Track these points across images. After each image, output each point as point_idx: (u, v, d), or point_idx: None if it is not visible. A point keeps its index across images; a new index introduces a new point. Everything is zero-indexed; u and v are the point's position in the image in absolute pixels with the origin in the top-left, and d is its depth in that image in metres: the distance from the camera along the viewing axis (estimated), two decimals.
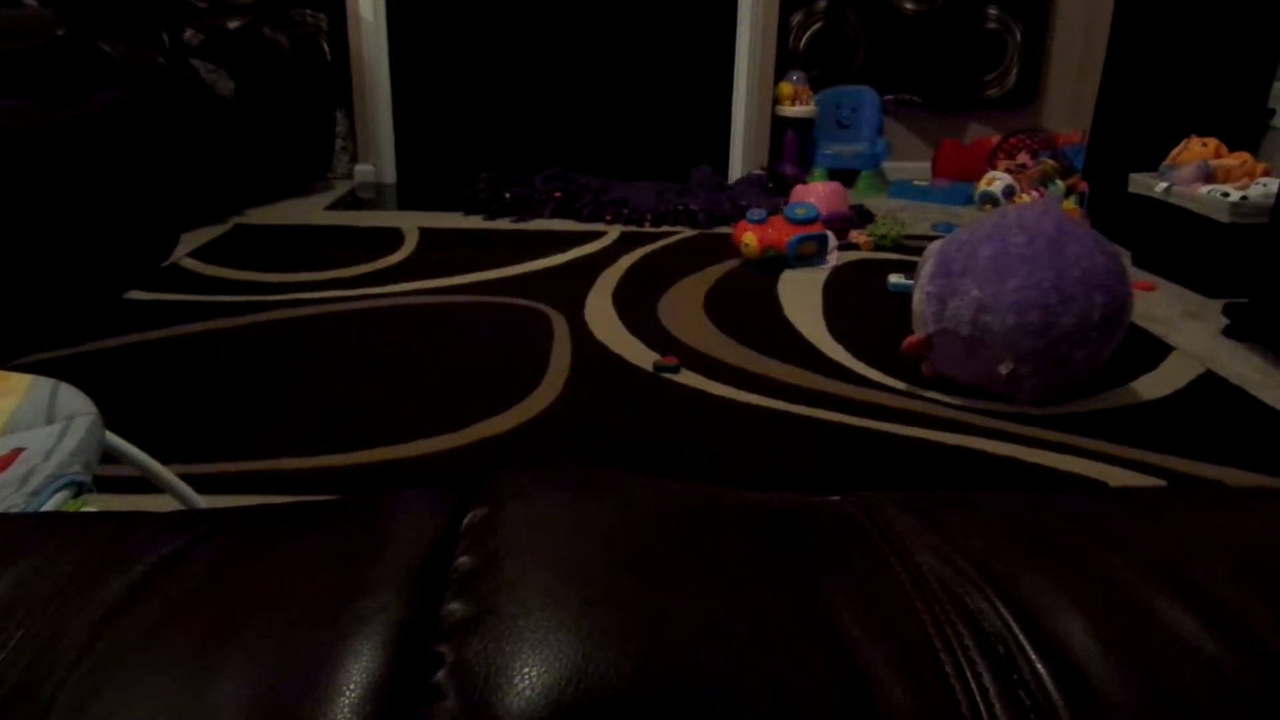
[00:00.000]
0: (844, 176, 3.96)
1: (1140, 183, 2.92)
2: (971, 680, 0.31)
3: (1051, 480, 1.67)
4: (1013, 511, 0.46)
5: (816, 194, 3.32)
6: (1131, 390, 2.07)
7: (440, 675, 0.31)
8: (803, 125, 4.09)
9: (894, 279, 2.73)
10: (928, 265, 2.04)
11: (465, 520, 0.39)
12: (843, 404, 1.95)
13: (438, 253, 3.03)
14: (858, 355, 2.22)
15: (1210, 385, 2.11)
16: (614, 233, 3.30)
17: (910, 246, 3.13)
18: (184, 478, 1.23)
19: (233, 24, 3.36)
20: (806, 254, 2.94)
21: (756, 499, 0.50)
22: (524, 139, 4.16)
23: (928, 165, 4.21)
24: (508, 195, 3.59)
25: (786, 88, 4.06)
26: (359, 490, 1.48)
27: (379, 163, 4.17)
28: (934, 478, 1.66)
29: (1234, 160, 2.77)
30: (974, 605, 0.34)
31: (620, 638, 0.31)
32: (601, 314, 2.47)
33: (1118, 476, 1.68)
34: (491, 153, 4.09)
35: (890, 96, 4.16)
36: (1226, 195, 2.60)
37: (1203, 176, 2.73)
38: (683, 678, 0.30)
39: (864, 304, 2.60)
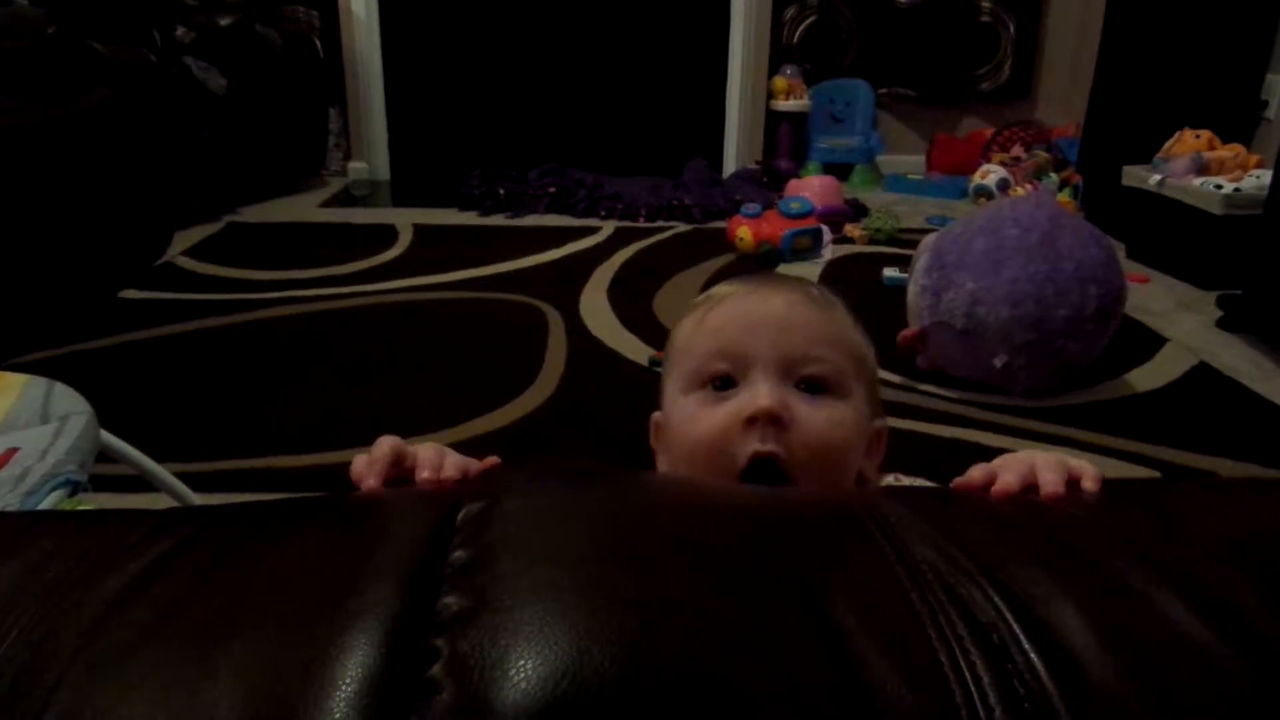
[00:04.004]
0: (838, 170, 3.96)
1: (1134, 175, 2.93)
2: (965, 670, 0.31)
3: None
4: (1007, 503, 0.46)
5: (811, 188, 3.32)
6: (1126, 382, 2.08)
7: (436, 669, 0.31)
8: (797, 119, 4.08)
9: (888, 272, 2.74)
10: (922, 258, 2.05)
11: (460, 514, 0.39)
12: None
13: (432, 249, 3.03)
14: None
15: (1204, 377, 2.12)
16: (609, 228, 3.30)
17: (905, 240, 3.13)
18: (179, 476, 1.23)
19: (224, 21, 3.34)
20: (801, 248, 2.94)
21: (751, 492, 0.50)
22: (518, 135, 4.15)
23: (922, 159, 4.21)
24: (502, 191, 3.59)
25: (780, 82, 4.05)
26: (354, 487, 1.47)
27: (373, 159, 4.16)
28: (929, 470, 1.67)
29: (1227, 152, 2.77)
30: (968, 595, 0.34)
31: (615, 630, 0.31)
32: (597, 310, 2.47)
33: (1112, 468, 1.69)
34: (485, 149, 4.08)
35: (884, 90, 4.16)
36: (1220, 187, 2.60)
37: (1196, 169, 2.74)
38: (677, 670, 0.30)
39: (859, 298, 2.60)
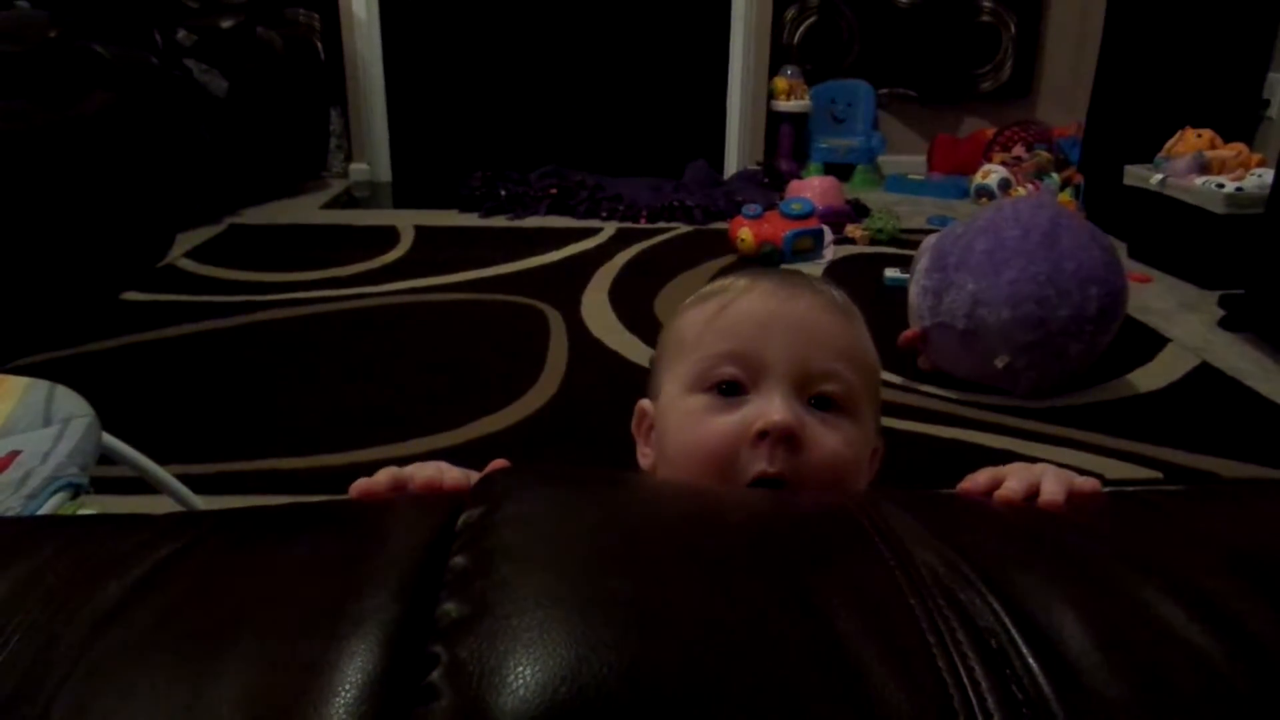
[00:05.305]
0: (839, 171, 3.96)
1: (1135, 175, 2.92)
2: (964, 675, 0.31)
3: None
4: (1008, 509, 0.46)
5: (812, 189, 3.32)
6: (1128, 382, 2.08)
7: (435, 675, 0.31)
8: (798, 120, 4.08)
9: (890, 273, 2.74)
10: (923, 259, 2.05)
11: (460, 520, 0.39)
12: None
13: (433, 251, 3.03)
14: None
15: (1206, 377, 2.12)
16: (610, 229, 3.30)
17: (906, 240, 3.13)
18: (181, 478, 1.23)
19: (225, 24, 3.35)
20: (802, 249, 2.94)
21: (752, 496, 0.50)
22: (519, 136, 4.15)
23: (923, 159, 4.21)
24: (503, 192, 3.59)
25: (781, 82, 4.05)
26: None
27: (374, 161, 4.16)
28: (930, 472, 1.67)
29: (1229, 151, 2.77)
30: (967, 601, 0.34)
31: (614, 637, 0.31)
32: (598, 311, 2.47)
33: (1114, 468, 1.69)
34: (487, 150, 4.08)
35: (885, 90, 4.16)
36: (1221, 186, 2.60)
37: (1198, 168, 2.74)
38: (677, 677, 0.30)
39: (860, 298, 2.60)
